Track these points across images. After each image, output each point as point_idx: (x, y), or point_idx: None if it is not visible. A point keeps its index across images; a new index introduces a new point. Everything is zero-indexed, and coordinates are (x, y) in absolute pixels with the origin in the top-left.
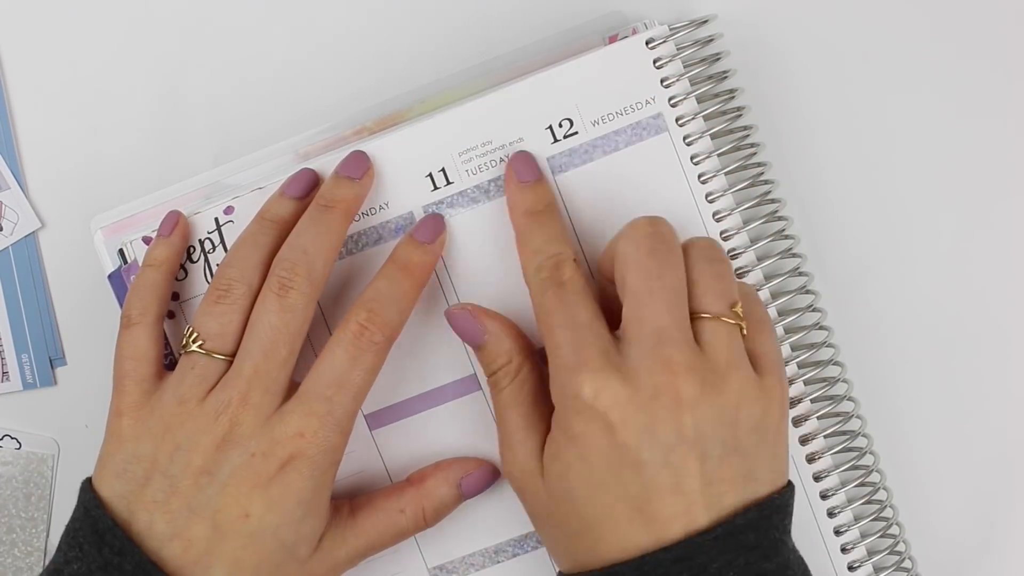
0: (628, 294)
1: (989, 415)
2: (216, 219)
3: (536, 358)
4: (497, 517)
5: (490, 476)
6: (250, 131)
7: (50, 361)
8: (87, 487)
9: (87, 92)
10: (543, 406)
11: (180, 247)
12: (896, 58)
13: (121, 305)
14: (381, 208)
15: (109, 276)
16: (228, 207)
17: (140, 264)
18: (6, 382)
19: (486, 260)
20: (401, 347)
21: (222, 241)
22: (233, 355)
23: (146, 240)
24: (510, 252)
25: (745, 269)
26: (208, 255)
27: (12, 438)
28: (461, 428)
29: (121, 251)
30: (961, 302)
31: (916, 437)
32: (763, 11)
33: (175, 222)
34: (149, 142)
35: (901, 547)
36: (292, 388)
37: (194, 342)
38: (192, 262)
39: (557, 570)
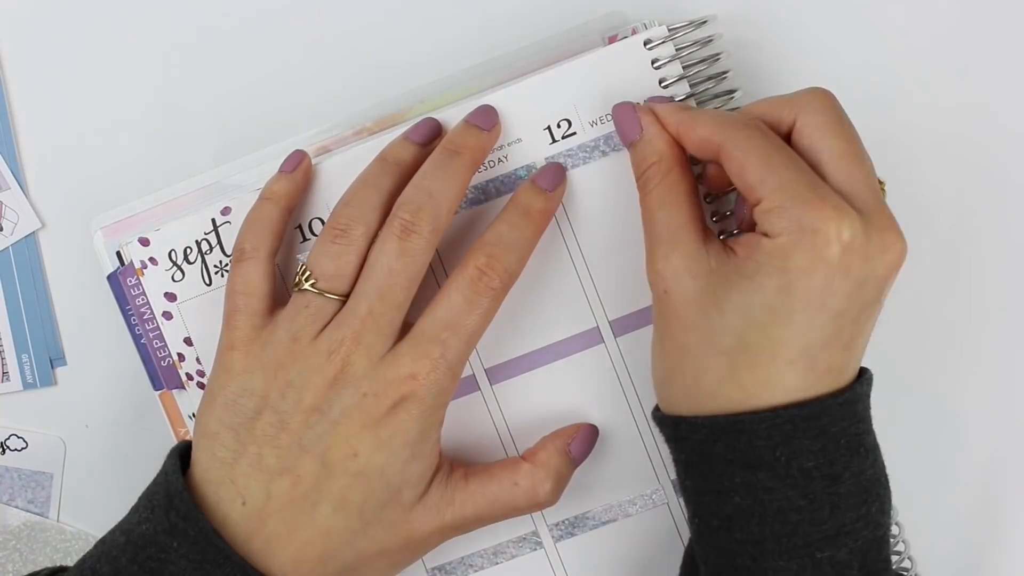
0: (838, 155)
1: (989, 414)
2: (213, 219)
3: (688, 167)
4: None
5: (593, 435)
6: (250, 131)
7: (50, 361)
8: (173, 453)
9: (87, 92)
10: (695, 210)
11: (302, 185)
12: (896, 59)
13: (120, 306)
14: None
15: (108, 277)
16: (225, 207)
17: (143, 264)
18: (6, 382)
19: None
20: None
21: (219, 242)
22: (347, 296)
23: (142, 241)
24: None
25: None
26: (205, 256)
27: (19, 438)
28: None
29: (119, 253)
30: (960, 302)
31: (916, 435)
32: (762, 12)
33: (299, 160)
34: (149, 142)
35: (900, 547)
36: (406, 329)
37: (307, 280)
38: (188, 263)
39: (654, 405)
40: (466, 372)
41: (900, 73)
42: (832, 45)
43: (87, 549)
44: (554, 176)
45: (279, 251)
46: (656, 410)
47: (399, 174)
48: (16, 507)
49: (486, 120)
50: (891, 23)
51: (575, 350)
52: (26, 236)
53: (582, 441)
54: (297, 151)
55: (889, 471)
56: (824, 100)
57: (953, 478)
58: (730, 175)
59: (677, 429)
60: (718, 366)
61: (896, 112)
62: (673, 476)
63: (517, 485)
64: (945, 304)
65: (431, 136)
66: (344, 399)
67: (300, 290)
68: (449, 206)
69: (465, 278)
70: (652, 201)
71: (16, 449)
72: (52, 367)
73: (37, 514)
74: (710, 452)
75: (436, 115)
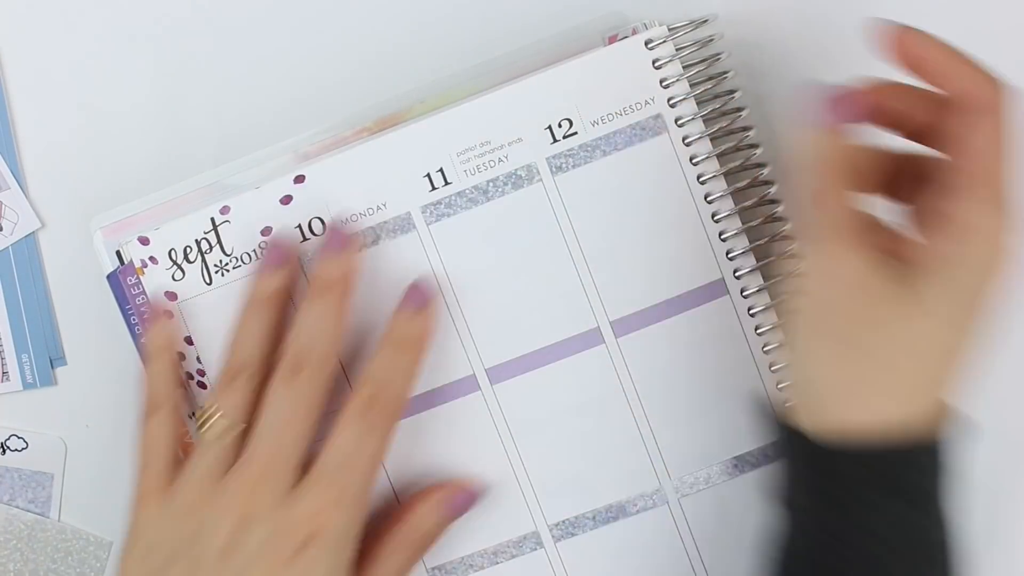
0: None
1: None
2: (212, 219)
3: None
4: (498, 517)
5: (472, 498)
6: (250, 131)
7: (50, 361)
8: None
9: (87, 92)
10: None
11: (174, 338)
12: None
13: (120, 306)
14: (379, 208)
15: (108, 276)
16: (224, 207)
17: (143, 263)
18: (6, 382)
19: (484, 262)
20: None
21: (219, 241)
22: (249, 433)
23: (142, 240)
24: (507, 252)
25: (743, 271)
26: (205, 255)
27: (19, 438)
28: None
29: (118, 252)
30: None
31: None
32: (763, 11)
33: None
34: (149, 142)
35: None
36: (312, 460)
37: (209, 424)
38: (189, 262)
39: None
40: (466, 372)
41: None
42: (833, 45)
43: (87, 549)
44: (422, 294)
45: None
46: (797, 437)
47: (275, 306)
48: (17, 507)
49: (341, 243)
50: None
51: (575, 351)
52: (26, 236)
53: (462, 503)
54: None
55: None
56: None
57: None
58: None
59: (834, 461)
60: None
61: None
62: (677, 477)
63: (397, 554)
64: None
65: (286, 258)
66: (252, 541)
67: (203, 433)
68: (331, 340)
69: (355, 412)
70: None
71: (16, 449)
72: (52, 367)
73: (38, 514)
74: (866, 485)
75: (437, 115)
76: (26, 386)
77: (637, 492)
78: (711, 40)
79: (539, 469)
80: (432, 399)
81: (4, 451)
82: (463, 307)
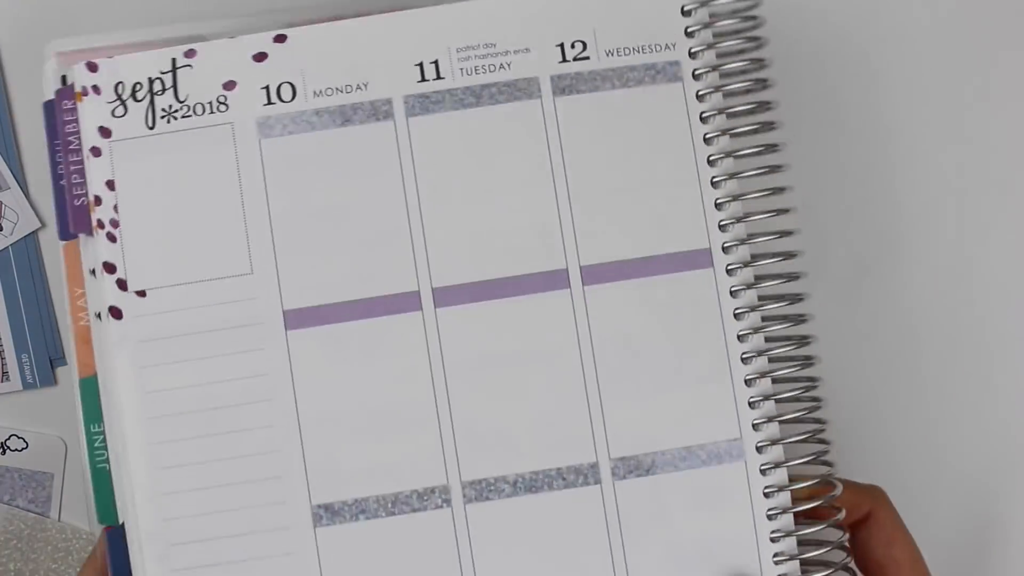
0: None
1: (989, 416)
2: (174, 59)
3: None
4: (406, 459)
5: None
6: None
7: (50, 361)
8: None
9: None
10: None
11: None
12: (929, 56)
13: (48, 139)
14: (358, 88)
15: (44, 104)
16: (190, 50)
17: (75, 90)
18: (6, 382)
19: (461, 171)
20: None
21: (175, 84)
22: None
23: (90, 66)
24: (488, 165)
25: (731, 244)
26: (155, 96)
27: (19, 438)
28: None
29: (63, 76)
30: (962, 304)
31: (917, 437)
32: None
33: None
34: None
35: None
36: None
37: None
38: (136, 100)
39: None
40: (410, 287)
41: (935, 70)
42: (867, 45)
43: (87, 549)
44: None
45: None
46: None
47: None
48: (17, 507)
49: None
50: (925, 23)
51: (536, 290)
52: (26, 236)
53: None
54: None
55: (889, 476)
56: (889, 499)
57: (953, 484)
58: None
59: None
60: None
61: (925, 112)
62: (617, 457)
63: None
64: (942, 305)
65: None
66: None
67: None
68: None
69: None
70: None
71: (16, 449)
72: (52, 367)
73: (38, 514)
74: None
75: (445, 5)
76: (26, 386)
77: (568, 463)
78: (752, 6)
79: (466, 414)
80: (365, 309)
81: (4, 451)
82: (424, 212)
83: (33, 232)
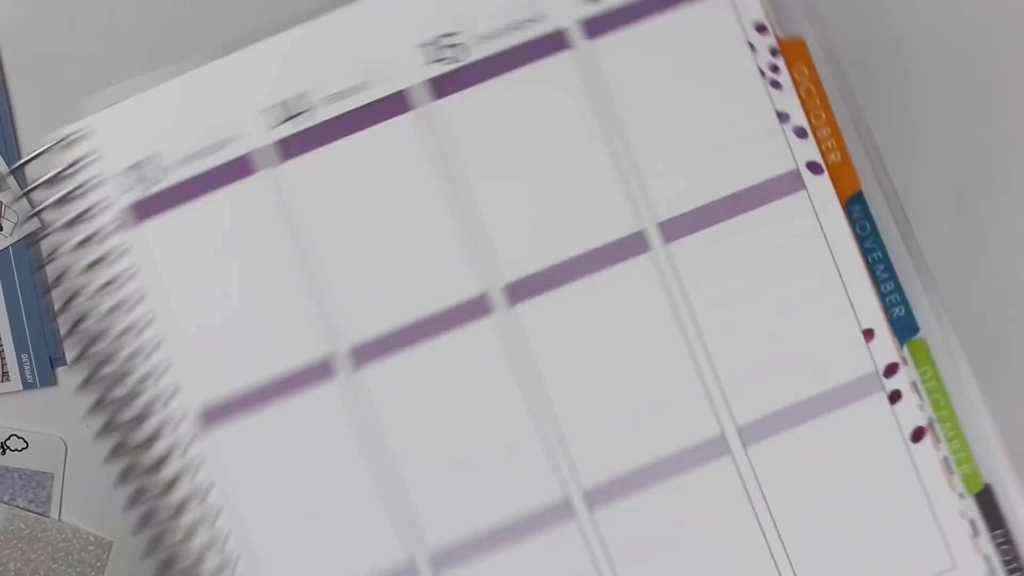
0: None
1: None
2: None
3: None
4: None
5: None
6: None
7: (50, 361)
8: None
9: (88, 92)
10: None
11: None
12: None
13: None
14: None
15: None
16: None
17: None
18: (6, 382)
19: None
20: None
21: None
22: None
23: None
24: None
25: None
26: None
27: (19, 438)
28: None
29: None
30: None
31: None
32: None
33: None
34: None
35: None
36: None
37: None
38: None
39: None
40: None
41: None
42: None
43: (87, 549)
44: None
45: None
46: None
47: None
48: (17, 507)
49: None
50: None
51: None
52: (26, 236)
53: None
54: None
55: None
56: None
57: None
58: None
59: None
60: None
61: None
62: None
63: None
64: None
65: None
66: None
67: None
68: None
69: None
70: None
71: (16, 449)
72: (52, 367)
73: (38, 514)
74: None
75: None
76: (26, 386)
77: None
78: None
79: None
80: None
81: (4, 451)
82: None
83: (33, 232)
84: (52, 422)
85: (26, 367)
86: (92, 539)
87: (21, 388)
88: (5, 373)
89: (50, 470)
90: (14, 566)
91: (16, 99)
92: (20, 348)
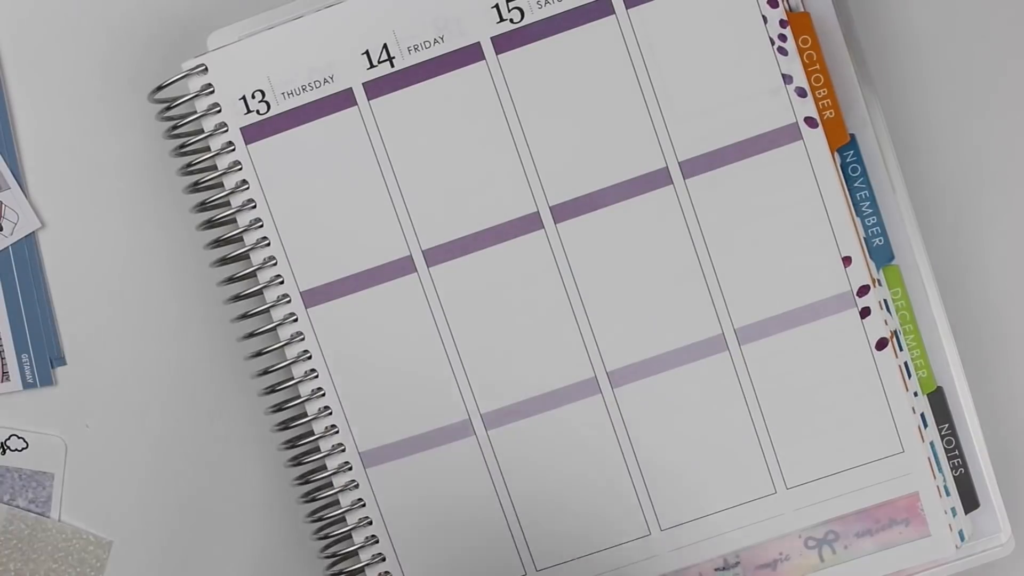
0: None
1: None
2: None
3: None
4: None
5: None
6: None
7: (50, 361)
8: None
9: (88, 92)
10: None
11: None
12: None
13: None
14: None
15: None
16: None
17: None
18: (6, 382)
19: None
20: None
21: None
22: None
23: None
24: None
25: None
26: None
27: (19, 438)
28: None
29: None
30: (967, 305)
31: None
32: None
33: None
34: (149, 144)
35: None
36: None
37: None
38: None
39: None
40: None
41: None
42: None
43: (87, 549)
44: None
45: None
46: None
47: None
48: (17, 507)
49: None
50: None
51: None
52: (26, 236)
53: None
54: None
55: None
56: None
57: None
58: None
59: None
60: None
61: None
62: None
63: None
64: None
65: None
66: None
67: None
68: None
69: None
70: None
71: (16, 449)
72: (52, 367)
73: (38, 514)
74: None
75: None
76: (26, 386)
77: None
78: None
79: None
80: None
81: (4, 451)
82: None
83: (33, 232)
84: (52, 422)
85: (26, 367)
86: (92, 539)
87: (21, 388)
88: (5, 373)
89: (50, 470)
90: (14, 566)
91: (16, 99)
92: (20, 348)
